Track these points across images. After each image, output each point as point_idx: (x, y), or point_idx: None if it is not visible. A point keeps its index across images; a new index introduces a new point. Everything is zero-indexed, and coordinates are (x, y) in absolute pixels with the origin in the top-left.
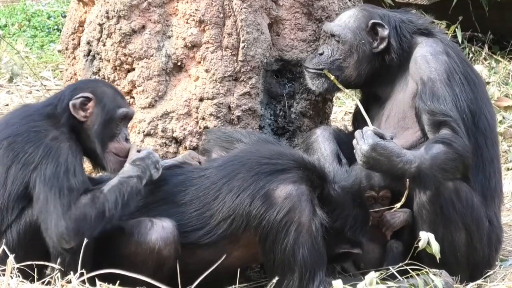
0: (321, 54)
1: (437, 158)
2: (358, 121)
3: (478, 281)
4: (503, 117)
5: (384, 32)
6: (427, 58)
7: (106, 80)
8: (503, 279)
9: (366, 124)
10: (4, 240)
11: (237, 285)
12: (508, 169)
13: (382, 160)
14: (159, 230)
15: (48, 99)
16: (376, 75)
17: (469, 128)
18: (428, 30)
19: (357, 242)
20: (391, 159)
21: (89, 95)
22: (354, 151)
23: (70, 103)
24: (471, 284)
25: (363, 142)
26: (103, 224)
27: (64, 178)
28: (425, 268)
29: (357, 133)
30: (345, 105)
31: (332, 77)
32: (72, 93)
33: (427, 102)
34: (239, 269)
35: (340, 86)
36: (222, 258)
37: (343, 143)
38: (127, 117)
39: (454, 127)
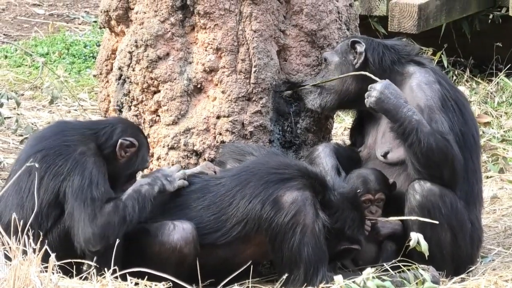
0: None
1: (435, 137)
2: (355, 136)
3: (462, 276)
4: (483, 132)
5: (361, 48)
6: (422, 88)
7: (135, 101)
8: (484, 274)
9: (363, 138)
10: (46, 241)
11: (250, 279)
12: (487, 177)
13: (392, 98)
14: (180, 231)
15: (90, 124)
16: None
17: (460, 147)
18: (419, 61)
19: (355, 239)
20: (398, 100)
21: (136, 143)
22: (366, 100)
23: (120, 140)
24: (455, 278)
25: (378, 84)
26: (125, 227)
27: (88, 190)
28: (415, 264)
29: (372, 85)
30: (344, 122)
31: (314, 83)
32: (122, 133)
33: None
34: (251, 266)
35: (323, 79)
36: (248, 264)
37: (342, 157)
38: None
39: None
